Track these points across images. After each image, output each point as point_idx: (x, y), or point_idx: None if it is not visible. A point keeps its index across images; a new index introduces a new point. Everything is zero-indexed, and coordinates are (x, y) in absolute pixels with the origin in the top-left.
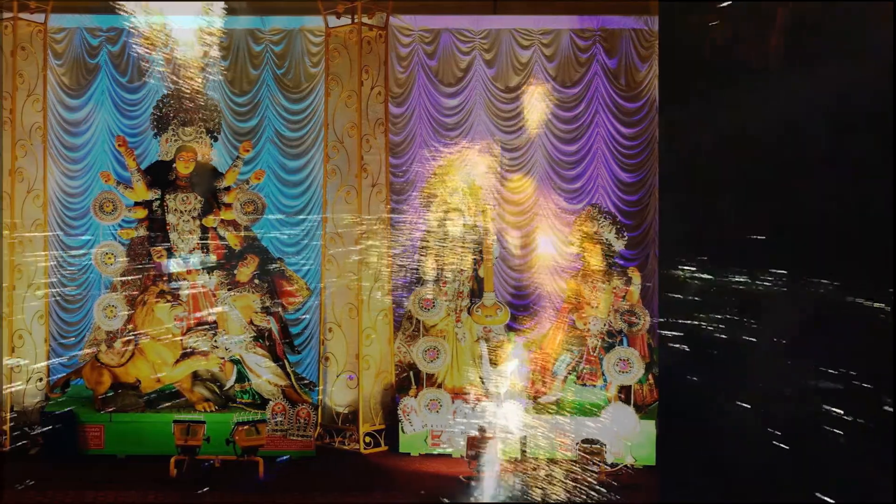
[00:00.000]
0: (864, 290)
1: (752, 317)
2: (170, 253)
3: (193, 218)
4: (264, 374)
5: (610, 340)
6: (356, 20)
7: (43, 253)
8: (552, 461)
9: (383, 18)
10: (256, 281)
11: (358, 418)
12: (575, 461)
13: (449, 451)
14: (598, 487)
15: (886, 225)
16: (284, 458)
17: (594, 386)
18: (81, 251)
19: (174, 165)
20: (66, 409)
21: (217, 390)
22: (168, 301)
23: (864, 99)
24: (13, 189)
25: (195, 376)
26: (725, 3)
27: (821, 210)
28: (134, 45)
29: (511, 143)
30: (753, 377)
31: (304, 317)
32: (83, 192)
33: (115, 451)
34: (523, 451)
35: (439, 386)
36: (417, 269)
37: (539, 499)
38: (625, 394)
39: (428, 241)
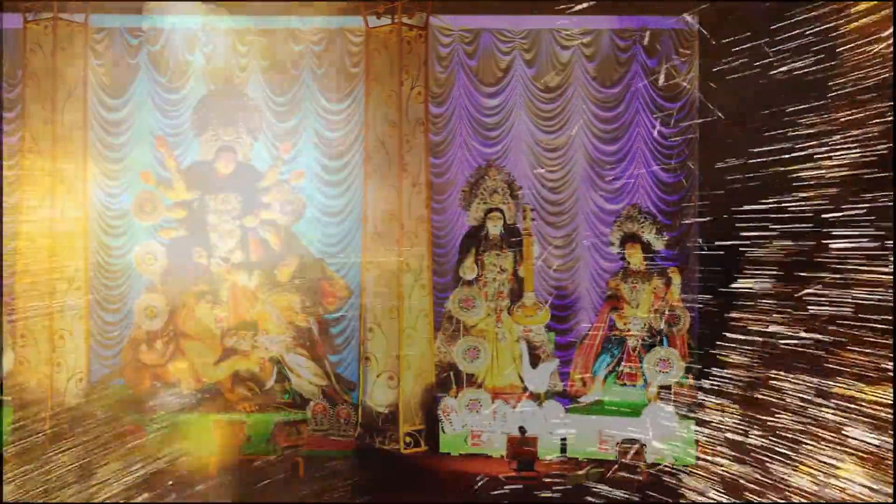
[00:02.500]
0: None
1: None
2: None
3: (233, 218)
4: (304, 374)
5: (650, 340)
6: (396, 20)
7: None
8: (592, 461)
9: (423, 18)
10: (297, 281)
11: (398, 418)
12: (615, 461)
13: (489, 451)
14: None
15: None
16: None
17: (634, 386)
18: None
19: (214, 165)
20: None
21: (257, 390)
22: (208, 301)
23: None
24: (54, 189)
25: (236, 376)
26: None
27: None
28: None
29: (551, 142)
30: None
31: (344, 316)
32: (123, 192)
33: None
34: (563, 451)
35: (479, 386)
36: (458, 269)
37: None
38: (665, 394)
39: (468, 241)
